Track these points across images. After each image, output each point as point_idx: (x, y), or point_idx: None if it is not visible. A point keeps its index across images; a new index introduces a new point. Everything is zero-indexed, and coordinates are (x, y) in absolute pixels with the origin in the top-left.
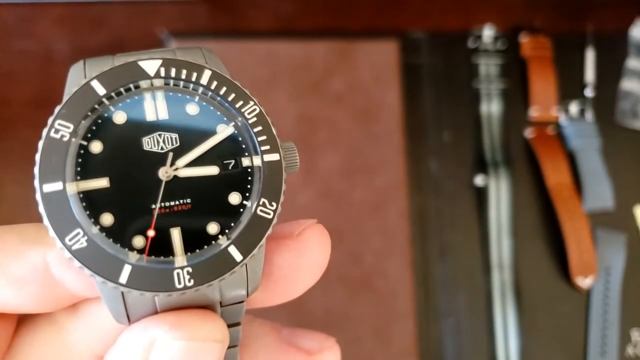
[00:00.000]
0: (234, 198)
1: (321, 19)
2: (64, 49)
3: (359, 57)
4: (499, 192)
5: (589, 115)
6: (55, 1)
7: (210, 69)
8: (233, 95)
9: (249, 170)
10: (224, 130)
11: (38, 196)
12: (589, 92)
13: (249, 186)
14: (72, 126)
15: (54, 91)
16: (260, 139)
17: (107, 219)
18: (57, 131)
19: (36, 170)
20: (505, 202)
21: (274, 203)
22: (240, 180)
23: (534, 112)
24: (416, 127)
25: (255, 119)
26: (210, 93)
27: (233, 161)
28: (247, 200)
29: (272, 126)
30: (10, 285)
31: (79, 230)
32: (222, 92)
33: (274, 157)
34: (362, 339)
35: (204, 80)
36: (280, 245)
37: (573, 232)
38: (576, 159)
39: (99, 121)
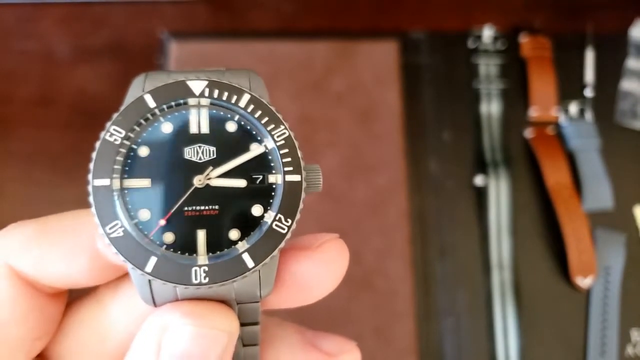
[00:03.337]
0: (257, 210)
1: (321, 19)
2: (64, 49)
3: (359, 57)
4: (499, 192)
5: (589, 115)
6: (56, 1)
7: (249, 94)
8: (266, 119)
9: (273, 186)
10: (256, 149)
11: (90, 188)
12: (588, 93)
13: (271, 200)
14: (124, 132)
15: (55, 91)
16: (285, 160)
17: (145, 214)
18: (111, 135)
19: (91, 165)
20: (505, 202)
21: (289, 220)
22: (264, 194)
23: (533, 112)
24: (416, 127)
25: (283, 142)
26: (247, 115)
27: (260, 177)
28: (267, 212)
29: (298, 150)
30: (63, 258)
31: (117, 221)
32: (256, 115)
33: (296, 178)
34: (363, 338)
35: (242, 103)
36: (300, 254)
37: (573, 232)
38: (576, 159)
39: (149, 128)
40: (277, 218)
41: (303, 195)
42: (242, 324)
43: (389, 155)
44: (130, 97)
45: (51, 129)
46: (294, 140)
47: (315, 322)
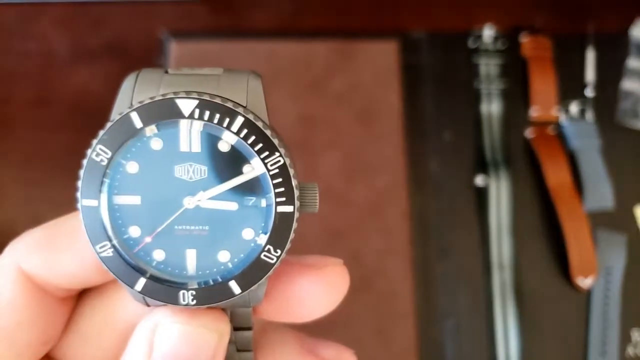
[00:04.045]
0: (247, 233)
1: (321, 19)
2: (64, 49)
3: (359, 57)
4: (499, 192)
5: (590, 115)
6: (55, 1)
7: (243, 116)
8: (260, 145)
9: (265, 211)
10: (249, 172)
11: (79, 206)
12: (589, 92)
13: (262, 224)
14: (110, 153)
15: (54, 91)
16: (277, 190)
17: (136, 231)
18: (97, 155)
19: (79, 184)
20: (505, 202)
21: (278, 250)
22: (256, 218)
23: (534, 112)
24: (416, 127)
25: (277, 170)
26: (239, 139)
27: (252, 201)
28: (258, 236)
29: (292, 178)
30: (73, 256)
31: (106, 242)
32: (249, 142)
33: (288, 209)
34: (363, 339)
35: (235, 127)
36: (303, 271)
37: (573, 232)
38: (576, 159)
39: (138, 144)
40: (266, 249)
41: (295, 225)
42: (235, 328)
43: (389, 156)
44: (120, 100)
45: (51, 130)
46: (289, 169)
47: (315, 323)
